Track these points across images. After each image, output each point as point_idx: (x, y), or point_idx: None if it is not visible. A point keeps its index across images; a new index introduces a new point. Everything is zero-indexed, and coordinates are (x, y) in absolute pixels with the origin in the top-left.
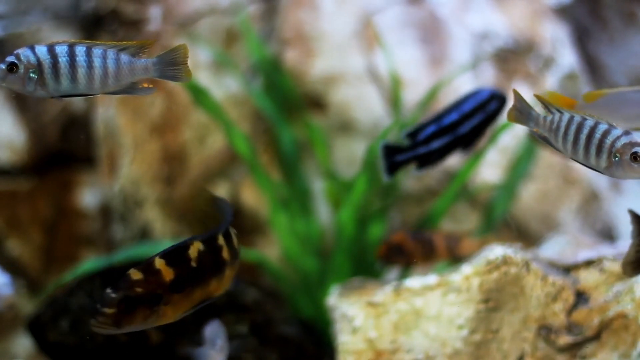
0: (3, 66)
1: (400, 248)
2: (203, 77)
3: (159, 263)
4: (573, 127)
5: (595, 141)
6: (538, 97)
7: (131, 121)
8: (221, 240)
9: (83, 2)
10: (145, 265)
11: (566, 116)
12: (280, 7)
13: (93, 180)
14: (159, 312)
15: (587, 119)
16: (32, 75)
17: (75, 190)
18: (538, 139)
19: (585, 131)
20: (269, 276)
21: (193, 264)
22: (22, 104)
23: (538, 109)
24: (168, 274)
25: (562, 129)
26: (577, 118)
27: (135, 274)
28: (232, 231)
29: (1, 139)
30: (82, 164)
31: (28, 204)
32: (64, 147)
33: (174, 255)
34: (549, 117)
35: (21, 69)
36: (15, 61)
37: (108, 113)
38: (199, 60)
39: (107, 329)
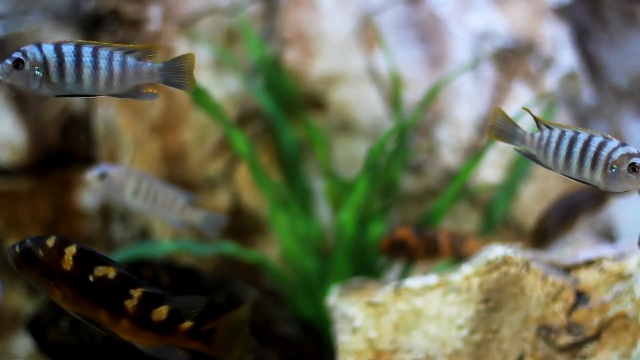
0: (9, 62)
1: (403, 244)
2: (203, 77)
3: (69, 249)
4: (565, 142)
5: (590, 154)
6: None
7: (131, 121)
8: (137, 294)
9: (83, 2)
10: (61, 241)
11: (557, 132)
12: (280, 7)
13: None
14: (50, 286)
15: (580, 132)
16: (37, 72)
17: (75, 190)
18: (523, 156)
19: (579, 145)
20: (269, 276)
21: (91, 278)
22: (22, 104)
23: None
24: (66, 263)
25: (553, 145)
26: (569, 132)
27: (50, 241)
28: (174, 312)
29: (1, 139)
30: (82, 164)
31: (28, 204)
32: (64, 147)
33: (85, 256)
34: (537, 134)
35: (27, 66)
36: (22, 57)
37: (108, 113)
38: (199, 60)
39: (12, 264)
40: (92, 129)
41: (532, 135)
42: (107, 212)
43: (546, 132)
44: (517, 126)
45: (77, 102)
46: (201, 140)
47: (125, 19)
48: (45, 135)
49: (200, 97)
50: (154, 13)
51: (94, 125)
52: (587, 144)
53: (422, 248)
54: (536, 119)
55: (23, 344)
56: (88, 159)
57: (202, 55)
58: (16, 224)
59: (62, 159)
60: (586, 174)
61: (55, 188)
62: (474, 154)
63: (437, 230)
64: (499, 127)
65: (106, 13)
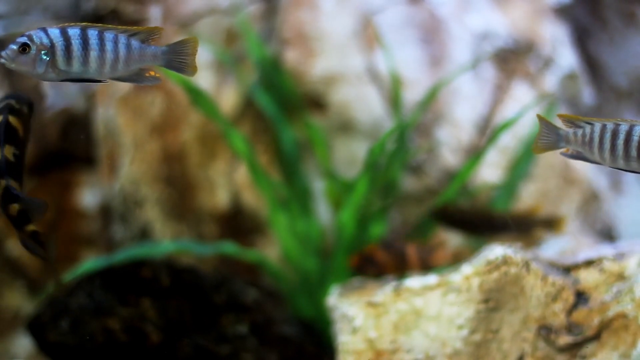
0: (14, 47)
1: (371, 259)
2: (204, 77)
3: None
4: (608, 135)
5: (634, 144)
6: (562, 116)
7: (131, 121)
8: (2, 184)
9: (83, 2)
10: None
11: (598, 126)
12: (280, 7)
13: (93, 180)
14: None
15: (621, 124)
16: (44, 56)
17: (75, 190)
18: (570, 158)
19: (622, 136)
20: (269, 276)
21: None
22: None
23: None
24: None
25: (597, 140)
26: (610, 125)
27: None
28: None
29: None
30: (82, 164)
31: None
32: (64, 147)
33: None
34: (580, 132)
35: (33, 50)
36: (28, 42)
37: (108, 113)
38: (199, 59)
39: None
40: (92, 129)
41: (574, 133)
42: (107, 212)
43: (588, 129)
44: (559, 128)
45: (77, 102)
46: (201, 140)
47: (125, 19)
48: (45, 135)
49: (198, 97)
50: (154, 13)
51: (94, 125)
52: (629, 134)
53: (391, 261)
54: (569, 118)
55: (23, 344)
56: (88, 159)
57: (202, 56)
58: None
59: (62, 159)
60: (633, 163)
61: (55, 188)
62: (474, 154)
63: (405, 242)
64: (545, 136)
65: (106, 13)
